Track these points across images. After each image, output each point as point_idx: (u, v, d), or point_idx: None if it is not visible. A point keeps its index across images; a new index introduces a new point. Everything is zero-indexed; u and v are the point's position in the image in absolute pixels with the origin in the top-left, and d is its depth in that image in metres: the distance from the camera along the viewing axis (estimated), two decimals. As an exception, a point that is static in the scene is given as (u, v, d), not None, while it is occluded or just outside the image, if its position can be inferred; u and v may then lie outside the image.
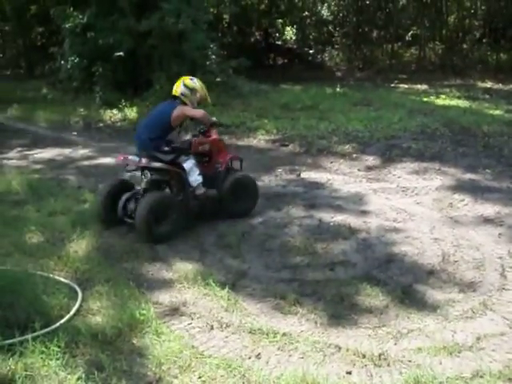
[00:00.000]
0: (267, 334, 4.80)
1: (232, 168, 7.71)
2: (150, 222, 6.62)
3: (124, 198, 7.02)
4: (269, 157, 10.22)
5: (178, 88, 7.24)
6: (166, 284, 5.74)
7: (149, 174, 7.03)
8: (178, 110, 7.08)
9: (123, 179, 7.63)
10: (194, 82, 7.37)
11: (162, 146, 7.06)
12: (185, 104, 7.20)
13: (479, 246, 6.62)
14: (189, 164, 7.12)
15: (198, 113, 7.25)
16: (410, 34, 26.86)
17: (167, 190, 7.25)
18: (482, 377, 4.26)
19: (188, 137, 7.86)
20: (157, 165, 6.93)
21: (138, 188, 7.13)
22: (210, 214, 7.45)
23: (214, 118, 7.76)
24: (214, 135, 7.60)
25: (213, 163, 7.54)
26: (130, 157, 7.13)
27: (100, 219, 7.15)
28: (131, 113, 14.23)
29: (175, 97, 7.25)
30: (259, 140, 11.69)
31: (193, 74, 15.44)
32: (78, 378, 4.05)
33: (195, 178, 7.16)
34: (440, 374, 4.27)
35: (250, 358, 4.50)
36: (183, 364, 4.37)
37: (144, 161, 6.89)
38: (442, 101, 16.33)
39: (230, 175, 7.49)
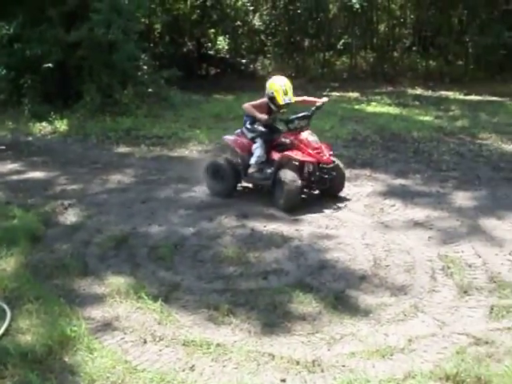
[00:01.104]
0: (201, 346, 4.78)
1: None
2: (207, 178, 8.82)
3: None
4: (201, 167, 10.15)
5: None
6: (98, 299, 5.65)
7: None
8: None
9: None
10: (272, 77, 8.60)
11: (247, 124, 8.53)
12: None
13: (410, 249, 6.74)
14: (255, 145, 8.40)
15: (244, 106, 8.60)
16: (341, 42, 27.17)
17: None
18: (413, 377, 4.35)
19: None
20: (224, 138, 9.22)
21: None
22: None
23: (265, 117, 8.26)
24: (300, 135, 8.20)
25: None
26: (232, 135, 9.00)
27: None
28: (61, 125, 13.97)
29: None
30: (191, 151, 11.62)
31: (124, 84, 15.43)
32: (7, 400, 3.96)
33: (253, 158, 8.35)
34: (373, 377, 4.34)
35: (184, 370, 4.48)
36: (116, 380, 4.32)
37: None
38: (372, 108, 16.59)
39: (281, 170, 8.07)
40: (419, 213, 7.94)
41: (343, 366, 4.53)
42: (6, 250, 6.57)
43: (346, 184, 8.82)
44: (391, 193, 8.87)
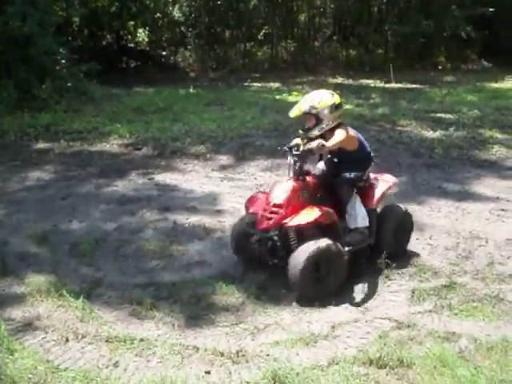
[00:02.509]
0: (124, 342, 4.76)
1: None
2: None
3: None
4: (122, 161, 10.04)
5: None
6: (18, 299, 5.53)
7: None
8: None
9: None
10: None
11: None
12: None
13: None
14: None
15: None
16: (262, 33, 27.32)
17: None
18: (337, 363, 4.44)
19: None
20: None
21: None
22: None
23: None
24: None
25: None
26: None
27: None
28: (-23, 122, 13.57)
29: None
30: (112, 145, 11.45)
31: (42, 79, 15.06)
32: None
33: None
34: (297, 365, 4.41)
35: (107, 367, 4.45)
36: (38, 380, 4.26)
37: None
38: (294, 98, 16.68)
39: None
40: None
41: (267, 355, 4.59)
42: None
43: (268, 173, 8.88)
44: (312, 181, 8.96)
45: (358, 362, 4.46)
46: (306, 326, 5.02)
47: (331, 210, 5.64)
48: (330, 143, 5.61)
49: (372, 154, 6.20)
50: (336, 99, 5.84)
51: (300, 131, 6.09)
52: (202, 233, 7.04)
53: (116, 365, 4.47)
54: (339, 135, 5.67)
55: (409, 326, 5.00)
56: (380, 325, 5.03)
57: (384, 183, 6.32)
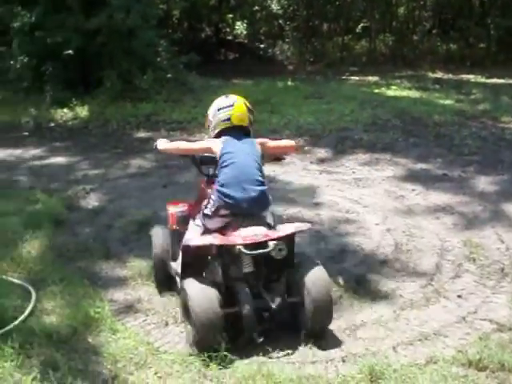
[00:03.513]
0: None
1: None
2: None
3: None
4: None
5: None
6: (121, 281, 5.72)
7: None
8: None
9: None
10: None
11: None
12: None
13: (431, 234, 6.75)
14: None
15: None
16: (360, 26, 27.03)
17: None
18: (435, 363, 4.33)
19: None
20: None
21: None
22: None
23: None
24: None
25: None
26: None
27: None
28: (82, 111, 14.03)
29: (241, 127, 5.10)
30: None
31: (143, 70, 15.45)
32: (33, 379, 3.99)
33: None
34: (394, 362, 4.32)
35: (205, 353, 4.48)
36: (139, 360, 4.35)
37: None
38: (392, 92, 16.48)
39: None
40: (441, 197, 7.92)
41: (366, 349, 4.54)
42: (30, 234, 6.63)
43: (367, 168, 8.81)
44: (412, 177, 8.85)
45: (457, 363, 4.32)
46: (405, 324, 4.93)
47: None
48: None
49: None
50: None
51: None
52: (300, 225, 7.01)
53: (214, 352, 4.52)
54: None
55: (510, 329, 4.81)
56: (480, 326, 4.87)
57: None
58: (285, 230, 4.74)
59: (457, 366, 4.30)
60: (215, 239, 4.59)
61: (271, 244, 4.52)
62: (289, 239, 4.75)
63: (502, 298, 5.36)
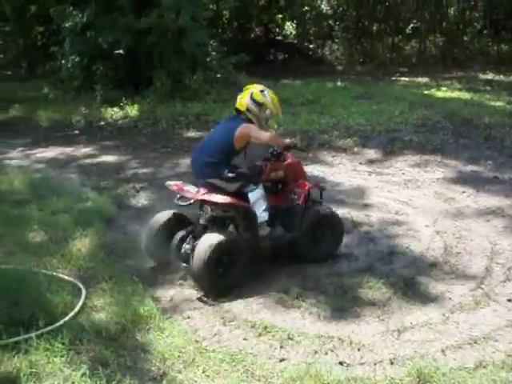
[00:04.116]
0: (270, 329, 4.81)
1: (313, 200, 6.27)
2: (211, 271, 5.37)
3: (178, 236, 5.78)
4: (270, 152, 10.22)
5: (243, 100, 5.82)
6: (169, 280, 5.75)
7: (209, 209, 5.75)
8: (243, 129, 5.67)
9: (177, 212, 6.07)
10: (265, 95, 5.86)
11: (224, 172, 5.63)
12: (250, 122, 5.79)
13: (481, 237, 6.65)
14: (255, 195, 5.88)
15: (265, 136, 5.75)
16: (410, 27, 26.82)
17: (231, 228, 5.85)
18: (485, 367, 4.28)
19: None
20: (218, 198, 5.53)
21: (196, 224, 5.89)
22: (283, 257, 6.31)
23: (288, 140, 6.34)
24: (291, 159, 6.16)
25: (287, 193, 6.17)
26: (186, 187, 5.79)
27: (150, 257, 6.08)
28: (132, 110, 14.22)
29: (239, 111, 5.86)
30: (261, 135, 11.67)
31: (193, 70, 15.58)
32: (83, 375, 4.05)
33: (259, 214, 5.84)
34: (443, 365, 4.29)
35: (253, 352, 4.51)
36: (187, 359, 4.39)
37: (202, 192, 5.59)
38: (442, 93, 16.31)
39: (310, 210, 6.10)
40: (491, 200, 7.80)
41: (415, 351, 4.49)
42: (81, 231, 6.73)
43: (417, 169, 8.71)
44: (462, 179, 8.73)
45: (507, 368, 4.27)
46: (454, 327, 4.86)
47: None
48: None
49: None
50: None
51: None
52: (349, 226, 6.98)
53: (261, 351, 4.53)
54: None
55: (561, 334, 4.74)
56: (530, 330, 4.80)
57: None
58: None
59: (507, 370, 4.25)
60: None
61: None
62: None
63: (554, 303, 5.25)
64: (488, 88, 17.45)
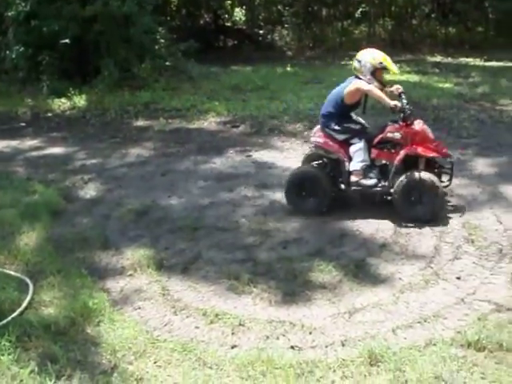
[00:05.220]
0: (221, 316, 4.81)
1: (441, 166, 6.89)
2: (290, 192, 6.96)
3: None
4: (220, 138, 10.14)
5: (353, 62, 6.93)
6: (119, 271, 5.71)
7: (313, 149, 7.32)
8: (352, 85, 6.72)
9: (312, 150, 7.46)
10: (362, 52, 6.91)
11: (333, 123, 6.81)
12: (360, 79, 6.74)
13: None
14: (355, 147, 6.74)
15: (367, 87, 6.63)
16: (359, 11, 26.88)
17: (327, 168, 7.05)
18: (435, 345, 4.35)
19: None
20: (315, 140, 7.06)
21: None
22: (376, 207, 6.95)
23: (397, 103, 6.57)
24: (416, 126, 6.71)
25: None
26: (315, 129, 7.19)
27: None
28: (80, 101, 13.94)
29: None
30: (210, 122, 11.58)
31: (141, 58, 15.38)
32: (31, 372, 4.00)
33: (354, 163, 6.74)
34: (394, 345, 4.35)
35: (204, 340, 4.50)
36: (138, 350, 4.36)
37: (315, 134, 7.05)
38: (392, 76, 16.21)
39: (409, 173, 6.55)
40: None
41: (365, 333, 4.54)
42: (28, 225, 6.61)
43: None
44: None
45: (456, 344, 4.35)
46: (404, 307, 4.92)
47: None
48: None
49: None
50: None
51: (378, 84, 6.80)
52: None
53: (212, 339, 4.52)
54: None
55: (509, 309, 4.82)
56: (479, 307, 4.87)
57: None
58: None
59: (456, 347, 4.33)
60: None
61: None
62: None
63: (501, 279, 5.35)
64: (436, 70, 17.60)
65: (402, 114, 6.60)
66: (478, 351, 4.27)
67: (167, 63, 16.13)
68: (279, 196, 7.41)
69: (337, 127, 6.79)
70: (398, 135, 6.66)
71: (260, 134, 10.61)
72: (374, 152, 6.80)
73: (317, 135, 7.01)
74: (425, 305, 4.94)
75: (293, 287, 5.26)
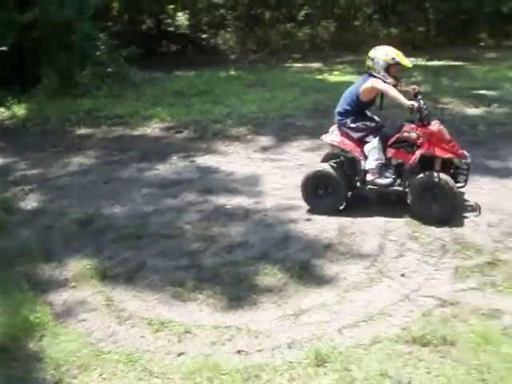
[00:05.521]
0: (167, 324, 4.77)
1: (457, 167, 6.89)
2: (306, 191, 7.03)
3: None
4: (163, 144, 10.05)
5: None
6: (62, 283, 5.60)
7: (331, 148, 7.24)
8: (368, 83, 6.74)
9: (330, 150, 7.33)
10: (374, 50, 6.92)
11: (348, 121, 6.86)
12: (375, 77, 6.77)
13: (374, 216, 6.77)
14: (370, 145, 6.81)
15: (385, 87, 6.64)
16: (302, 13, 27.06)
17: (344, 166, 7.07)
18: (380, 342, 4.41)
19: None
20: (328, 140, 7.09)
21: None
22: (392, 206, 6.97)
23: (415, 103, 6.58)
24: (433, 126, 6.76)
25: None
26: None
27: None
28: (20, 110, 13.61)
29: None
30: (153, 128, 11.47)
31: (82, 65, 15.15)
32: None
33: (370, 161, 6.80)
34: (340, 345, 4.38)
35: (150, 350, 4.46)
36: (82, 363, 4.30)
37: (333, 132, 7.09)
38: (335, 77, 16.52)
39: (424, 175, 6.60)
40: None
41: (312, 334, 4.55)
42: (-34, 239, 6.45)
43: (310, 154, 8.82)
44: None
45: (401, 341, 4.42)
46: (350, 306, 4.96)
47: None
48: None
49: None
50: None
51: (392, 80, 6.84)
52: (243, 214, 7.01)
53: (158, 347, 4.48)
54: None
55: (452, 304, 4.92)
56: (423, 303, 4.96)
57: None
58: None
59: (401, 343, 4.39)
60: None
61: None
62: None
63: (444, 274, 5.45)
64: (379, 71, 17.75)
65: (418, 114, 6.63)
66: (423, 346, 4.35)
67: (109, 70, 15.92)
68: (223, 200, 7.42)
69: (353, 125, 6.85)
70: (414, 135, 6.71)
71: (204, 138, 10.55)
72: (390, 151, 6.85)
73: (333, 134, 7.06)
74: (370, 303, 4.98)
75: (238, 292, 5.24)
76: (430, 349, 4.32)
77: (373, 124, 6.93)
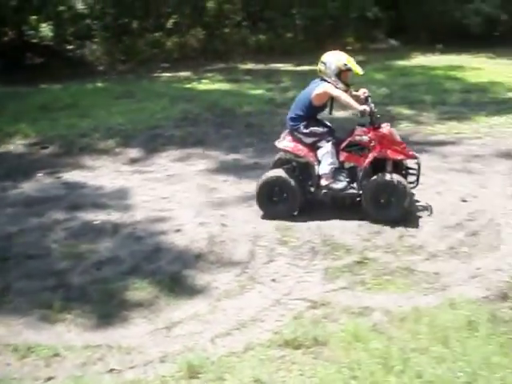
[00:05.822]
0: (34, 349, 4.61)
1: (407, 167, 7.12)
2: (261, 197, 7.03)
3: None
4: (28, 161, 9.68)
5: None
6: None
7: (283, 153, 7.19)
8: (320, 88, 6.82)
9: (282, 154, 7.27)
10: (327, 54, 6.99)
11: (301, 126, 6.92)
12: (327, 81, 6.85)
13: (244, 223, 6.88)
14: (323, 150, 6.85)
15: (337, 93, 6.74)
16: (170, 22, 26.99)
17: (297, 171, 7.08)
18: (253, 349, 4.47)
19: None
20: (280, 146, 7.13)
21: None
22: (348, 211, 7.01)
23: (366, 107, 6.68)
24: (384, 129, 6.83)
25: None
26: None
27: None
28: None
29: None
30: (17, 145, 10.97)
31: None
32: None
33: (323, 166, 6.85)
34: (212, 354, 4.41)
35: (16, 378, 4.29)
36: None
37: (284, 139, 7.14)
38: (204, 86, 16.57)
39: (377, 176, 6.77)
40: (252, 185, 7.94)
41: (184, 346, 4.54)
42: None
43: (179, 164, 8.81)
44: (224, 169, 8.95)
45: (274, 345, 4.49)
46: (222, 315, 5.01)
47: None
48: None
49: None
50: None
51: (343, 86, 6.89)
52: (112, 229, 6.89)
53: (25, 374, 4.32)
54: None
55: (323, 305, 5.07)
56: (295, 306, 5.07)
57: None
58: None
59: (274, 348, 4.47)
60: None
61: None
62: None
63: (315, 276, 5.61)
64: (248, 77, 17.98)
65: (370, 118, 6.77)
66: (296, 349, 4.44)
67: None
68: (91, 216, 7.26)
69: (305, 130, 6.91)
70: (366, 138, 6.83)
71: (70, 153, 10.22)
72: (343, 155, 6.95)
73: (286, 140, 7.10)
74: (242, 310, 5.04)
75: (108, 309, 5.16)
76: (303, 351, 4.42)
77: (325, 129, 7.02)
